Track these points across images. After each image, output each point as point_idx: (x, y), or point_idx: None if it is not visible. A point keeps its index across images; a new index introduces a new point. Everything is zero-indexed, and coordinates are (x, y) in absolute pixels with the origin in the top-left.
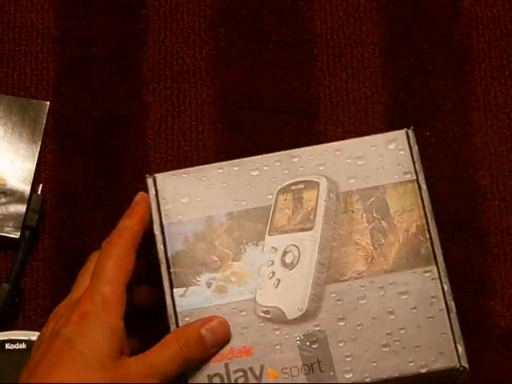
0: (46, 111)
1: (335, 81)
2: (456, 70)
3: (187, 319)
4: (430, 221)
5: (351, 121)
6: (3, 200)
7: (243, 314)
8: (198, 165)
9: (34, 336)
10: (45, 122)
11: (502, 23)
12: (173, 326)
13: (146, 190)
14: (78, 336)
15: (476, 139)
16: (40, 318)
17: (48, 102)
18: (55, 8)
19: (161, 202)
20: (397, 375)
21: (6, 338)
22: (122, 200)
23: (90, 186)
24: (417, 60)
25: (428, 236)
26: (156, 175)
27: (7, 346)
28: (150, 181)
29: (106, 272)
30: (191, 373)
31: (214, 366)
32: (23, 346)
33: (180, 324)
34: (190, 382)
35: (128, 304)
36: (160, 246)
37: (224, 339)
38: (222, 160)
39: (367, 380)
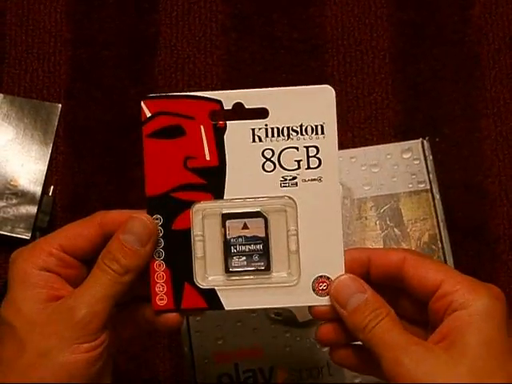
0: (58, 113)
1: (345, 86)
2: (466, 76)
3: (198, 318)
4: (442, 230)
5: (361, 126)
6: (14, 201)
7: (254, 315)
8: None
9: None
10: (56, 124)
11: None
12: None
13: None
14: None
15: (485, 146)
16: None
17: (60, 105)
18: (68, 11)
19: None
20: None
21: None
22: (133, 203)
23: (100, 189)
24: (427, 66)
25: (440, 245)
26: None
27: None
28: None
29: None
30: (200, 372)
31: (224, 366)
32: None
33: (191, 323)
34: (198, 381)
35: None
36: None
37: (149, 234)
38: None
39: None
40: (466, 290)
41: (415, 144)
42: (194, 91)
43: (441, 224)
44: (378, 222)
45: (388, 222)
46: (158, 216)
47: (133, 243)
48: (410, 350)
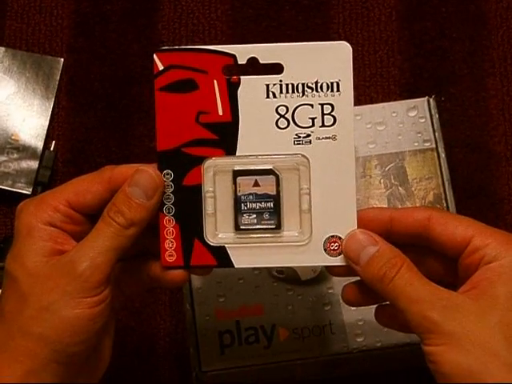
0: (60, 68)
1: (351, 44)
2: (473, 35)
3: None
4: (447, 190)
5: (366, 84)
6: (16, 156)
7: (256, 272)
8: None
9: None
10: (58, 78)
11: None
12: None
13: None
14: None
15: (491, 105)
16: None
17: (62, 59)
18: None
19: None
20: (408, 341)
21: None
22: (134, 158)
23: (102, 144)
24: (433, 24)
25: (445, 205)
26: None
27: None
28: None
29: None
30: (201, 329)
31: (225, 323)
32: None
33: (193, 280)
34: (199, 338)
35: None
36: None
37: (155, 187)
38: None
39: (378, 345)
40: (498, 243)
41: (421, 102)
42: (198, 46)
43: (446, 183)
44: (382, 181)
45: (393, 181)
46: (169, 171)
47: (138, 196)
48: (437, 303)
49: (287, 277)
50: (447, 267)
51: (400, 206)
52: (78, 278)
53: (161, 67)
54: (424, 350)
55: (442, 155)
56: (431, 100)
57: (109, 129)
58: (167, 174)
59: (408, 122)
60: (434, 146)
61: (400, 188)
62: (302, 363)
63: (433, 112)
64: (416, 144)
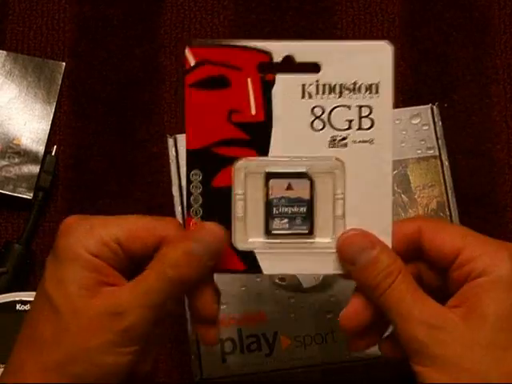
0: (62, 72)
1: None
2: (476, 41)
3: None
4: (450, 198)
5: None
6: (17, 160)
7: (258, 279)
8: None
9: None
10: (60, 82)
11: None
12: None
13: (165, 151)
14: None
15: (494, 112)
16: None
17: (64, 63)
18: None
19: (181, 164)
20: None
21: (17, 299)
22: (136, 163)
23: (104, 149)
24: (437, 31)
25: (448, 213)
26: (177, 136)
27: (18, 306)
28: (170, 141)
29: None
30: None
31: (227, 331)
32: None
33: None
34: (201, 346)
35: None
36: (178, 209)
37: (217, 246)
38: None
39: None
40: (487, 256)
41: (424, 109)
42: (232, 42)
43: (449, 191)
44: None
45: (396, 189)
46: (198, 171)
47: (202, 252)
48: (425, 323)
49: (289, 284)
50: (445, 279)
51: (403, 214)
52: (125, 330)
53: (192, 63)
54: (412, 368)
55: (446, 163)
56: (435, 107)
57: (111, 133)
58: (195, 175)
59: (411, 130)
60: (437, 153)
61: (403, 196)
62: (304, 371)
63: (436, 119)
64: (419, 151)
